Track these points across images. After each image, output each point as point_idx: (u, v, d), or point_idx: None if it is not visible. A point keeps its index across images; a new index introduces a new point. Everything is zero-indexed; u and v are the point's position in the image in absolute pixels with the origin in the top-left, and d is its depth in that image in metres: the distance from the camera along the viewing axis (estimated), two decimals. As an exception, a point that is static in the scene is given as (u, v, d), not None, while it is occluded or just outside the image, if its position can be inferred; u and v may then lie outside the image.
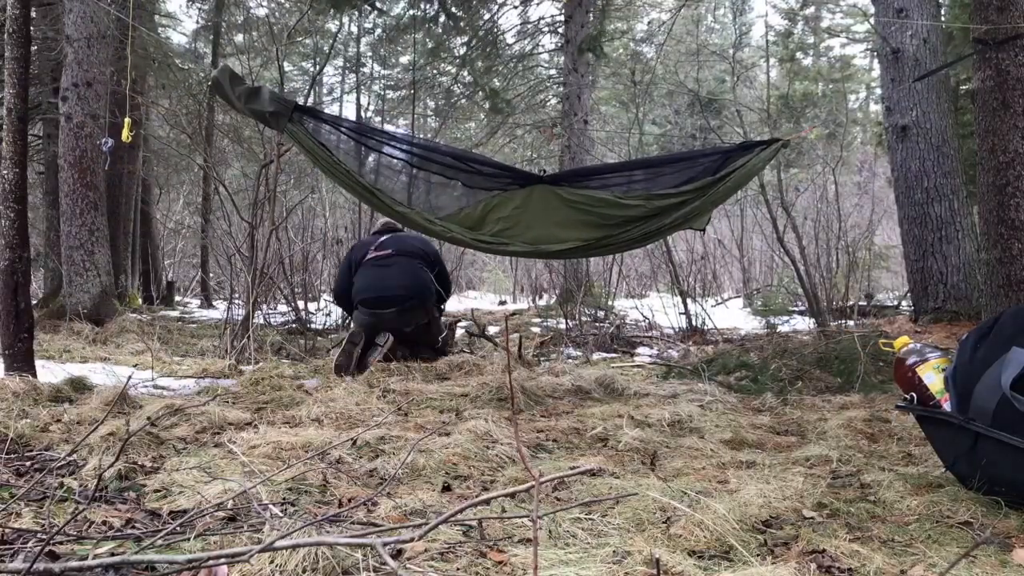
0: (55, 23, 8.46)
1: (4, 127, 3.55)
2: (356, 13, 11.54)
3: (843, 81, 15.26)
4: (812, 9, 19.66)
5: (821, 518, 1.90)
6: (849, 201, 11.57)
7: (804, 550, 1.66)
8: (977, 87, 4.25)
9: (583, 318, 6.81)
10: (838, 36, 18.01)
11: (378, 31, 15.14)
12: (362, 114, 16.18)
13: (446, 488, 2.17)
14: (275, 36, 9.99)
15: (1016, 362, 1.92)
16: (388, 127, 13.30)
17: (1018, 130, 4.03)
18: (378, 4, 10.65)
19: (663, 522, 1.82)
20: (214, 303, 11.95)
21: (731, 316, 8.58)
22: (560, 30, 12.44)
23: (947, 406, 2.13)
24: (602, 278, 9.10)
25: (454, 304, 10.65)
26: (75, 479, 2.16)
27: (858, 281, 7.68)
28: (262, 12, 13.02)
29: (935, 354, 2.29)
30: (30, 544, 1.60)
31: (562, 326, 6.72)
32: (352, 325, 4.89)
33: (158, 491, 2.08)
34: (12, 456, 2.40)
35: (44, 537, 1.61)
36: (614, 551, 1.64)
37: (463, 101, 13.66)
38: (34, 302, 5.93)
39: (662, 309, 7.30)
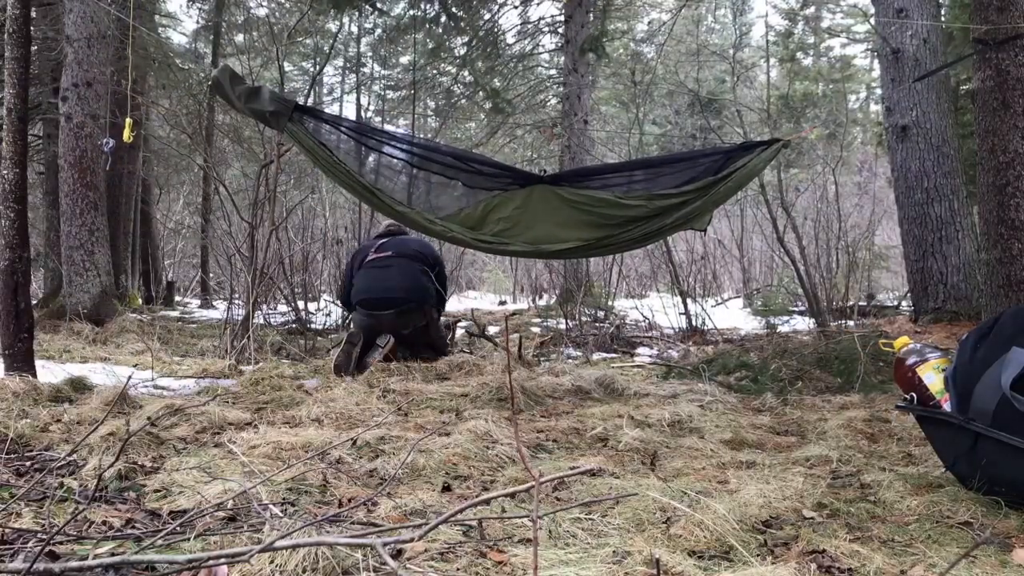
0: (55, 23, 8.46)
1: (4, 127, 3.55)
2: (356, 13, 11.53)
3: (843, 81, 15.25)
4: (812, 9, 19.67)
5: (821, 518, 1.90)
6: (849, 201, 11.57)
7: (804, 550, 1.66)
8: (977, 87, 4.25)
9: (583, 318, 6.81)
10: (838, 36, 18.02)
11: (378, 31, 15.15)
12: (362, 114, 16.18)
13: (446, 488, 2.17)
14: (275, 36, 9.99)
15: (1016, 362, 1.92)
16: (388, 127, 13.29)
17: (1018, 130, 4.03)
18: (378, 4, 10.64)
19: (663, 522, 1.82)
20: (214, 303, 11.95)
21: (731, 316, 8.58)
22: (560, 30, 12.44)
23: (947, 406, 2.13)
24: (602, 278, 9.10)
25: (454, 304, 10.65)
26: (75, 479, 2.16)
27: (858, 281, 7.68)
28: (262, 12, 13.03)
29: (935, 354, 2.29)
30: (30, 544, 1.60)
31: (562, 326, 6.72)
32: (351, 325, 4.90)
33: (158, 491, 2.08)
34: (12, 456, 2.40)
35: (44, 537, 1.61)
36: (614, 551, 1.64)
37: (463, 101, 13.66)
38: (34, 302, 5.93)
39: (662, 309, 7.30)
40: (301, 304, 7.39)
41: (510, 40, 13.20)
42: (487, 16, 12.29)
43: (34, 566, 1.28)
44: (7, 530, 1.66)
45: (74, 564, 1.39)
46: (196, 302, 12.76)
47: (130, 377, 3.90)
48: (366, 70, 18.10)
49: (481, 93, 12.25)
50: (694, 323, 7.13)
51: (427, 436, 2.59)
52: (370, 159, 4.26)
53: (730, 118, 12.84)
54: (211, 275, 12.83)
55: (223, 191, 6.55)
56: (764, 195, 7.38)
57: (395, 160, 4.28)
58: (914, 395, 2.24)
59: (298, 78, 17.91)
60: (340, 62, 18.89)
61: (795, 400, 3.67)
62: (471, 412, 3.18)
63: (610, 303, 7.74)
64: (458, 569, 1.56)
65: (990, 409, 1.92)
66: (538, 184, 4.03)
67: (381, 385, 3.85)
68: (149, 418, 2.78)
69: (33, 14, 7.03)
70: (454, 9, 11.32)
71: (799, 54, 17.00)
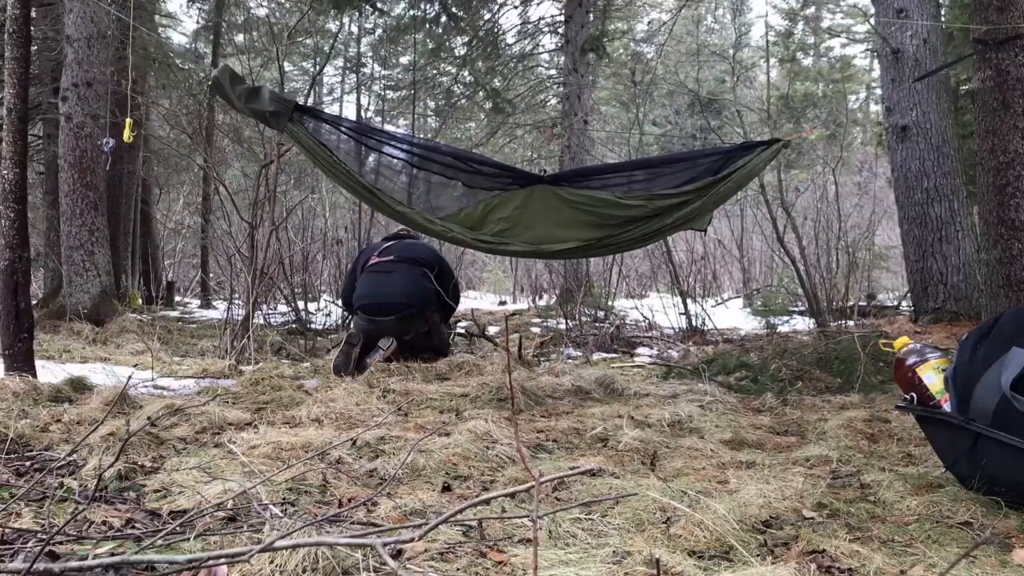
0: (55, 23, 8.46)
1: (4, 127, 3.55)
2: (356, 13, 11.51)
3: (843, 81, 15.25)
4: (812, 9, 19.68)
5: (821, 518, 1.90)
6: (849, 201, 11.57)
7: (804, 550, 1.66)
8: (977, 87, 4.25)
9: (583, 318, 6.80)
10: (838, 36, 18.01)
11: (378, 31, 15.14)
12: (362, 114, 16.18)
13: (446, 488, 2.17)
14: (275, 36, 9.99)
15: (1016, 362, 1.92)
16: (388, 127, 13.29)
17: (1018, 130, 4.03)
18: (378, 4, 10.63)
19: (663, 522, 1.82)
20: (214, 303, 11.95)
21: (731, 316, 8.58)
22: (560, 30, 12.44)
23: (947, 406, 2.13)
24: (602, 278, 9.10)
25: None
26: (75, 479, 2.16)
27: (858, 281, 7.68)
28: (262, 12, 13.02)
29: (935, 354, 2.29)
30: (30, 544, 1.60)
31: (562, 326, 6.71)
32: (352, 326, 4.89)
33: (158, 491, 2.08)
34: (12, 456, 2.40)
35: (44, 537, 1.61)
36: (614, 551, 1.64)
37: (463, 101, 13.66)
38: (34, 302, 5.93)
39: (662, 309, 7.30)
40: (301, 304, 7.39)
41: (510, 40, 13.21)
42: (487, 16, 12.29)
43: (34, 566, 1.28)
44: (7, 530, 1.66)
45: (74, 564, 1.39)
46: (196, 302, 12.75)
47: (130, 377, 3.90)
48: (366, 70, 18.10)
49: (481, 93, 12.25)
50: (694, 323, 7.13)
51: (427, 436, 2.59)
52: (370, 159, 4.26)
53: (730, 118, 12.84)
54: (211, 275, 12.82)
55: (223, 191, 6.55)
56: (764, 195, 7.37)
57: (395, 160, 4.28)
58: (914, 395, 2.24)
59: (298, 78, 17.91)
60: (340, 62, 18.88)
61: (795, 400, 3.67)
62: (471, 412, 3.18)
63: (610, 303, 7.74)
64: (458, 569, 1.56)
65: (990, 409, 1.92)
66: (538, 184, 4.02)
67: (381, 385, 3.85)
68: (149, 418, 2.78)
69: (33, 14, 7.03)
70: (454, 9, 11.32)
71: (799, 54, 17.01)
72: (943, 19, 7.17)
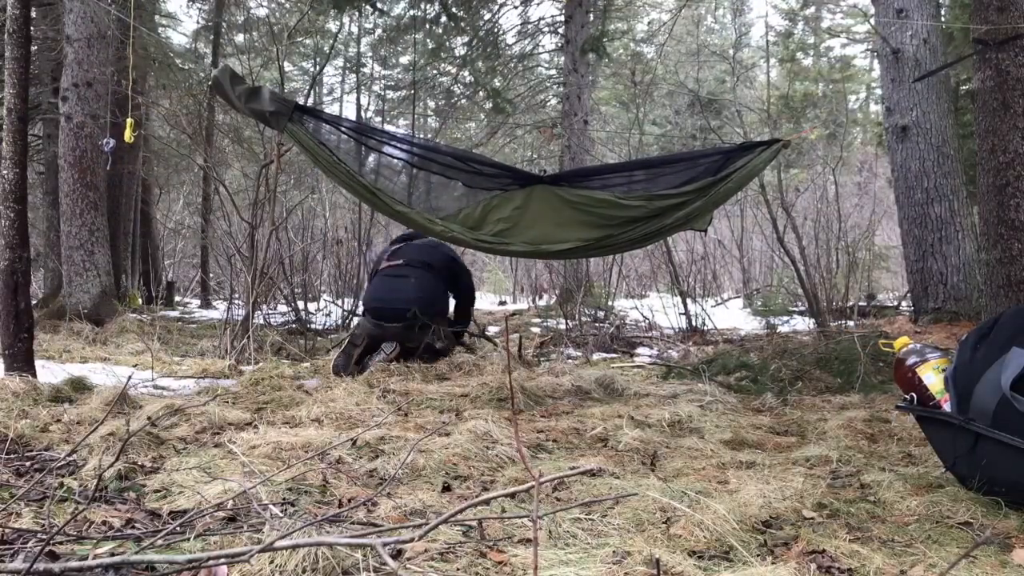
0: (55, 23, 8.46)
1: (4, 127, 3.55)
2: (356, 13, 11.52)
3: (843, 81, 15.26)
4: (812, 9, 19.68)
5: (821, 518, 1.90)
6: (849, 201, 11.57)
7: (804, 550, 1.66)
8: (977, 87, 4.25)
9: (583, 318, 6.80)
10: (838, 36, 18.02)
11: (378, 31, 15.14)
12: (362, 114, 16.18)
13: (446, 488, 2.17)
14: (275, 36, 9.99)
15: (1016, 362, 1.92)
16: (388, 127, 13.29)
17: (1018, 130, 4.03)
18: (378, 4, 10.63)
19: (663, 522, 1.82)
20: (214, 303, 11.95)
21: (731, 316, 8.58)
22: (560, 30, 12.44)
23: (947, 406, 2.13)
24: (602, 278, 9.09)
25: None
26: (75, 479, 2.16)
27: (858, 281, 7.68)
28: (262, 12, 13.03)
29: (935, 354, 2.29)
30: (30, 544, 1.60)
31: (562, 326, 6.71)
32: (355, 327, 4.86)
33: (158, 491, 2.08)
34: (12, 456, 2.40)
35: (44, 537, 1.61)
36: (614, 551, 1.64)
37: (463, 101, 13.66)
38: (34, 302, 5.93)
39: (662, 309, 7.30)
40: (301, 304, 7.39)
41: (510, 40, 13.22)
42: (487, 16, 12.29)
43: (34, 566, 1.28)
44: (7, 530, 1.66)
45: (74, 564, 1.39)
46: (196, 302, 12.76)
47: (130, 377, 3.90)
48: (366, 70, 18.10)
49: (481, 93, 12.25)
50: (694, 323, 7.13)
51: (427, 436, 2.59)
52: (370, 159, 4.26)
53: (730, 118, 12.84)
54: (211, 275, 12.83)
55: (223, 191, 6.55)
56: (764, 195, 7.37)
57: (395, 160, 4.28)
58: (914, 395, 2.24)
59: (298, 78, 17.91)
60: (340, 62, 18.90)
61: (795, 400, 3.67)
62: (471, 412, 3.18)
63: (610, 303, 7.73)
64: (458, 569, 1.56)
65: (990, 409, 1.92)
66: (538, 184, 4.02)
67: (381, 385, 3.85)
68: (149, 418, 2.78)
69: (33, 14, 7.03)
70: (454, 9, 11.32)
71: (799, 54, 17.00)
72: (943, 19, 7.17)
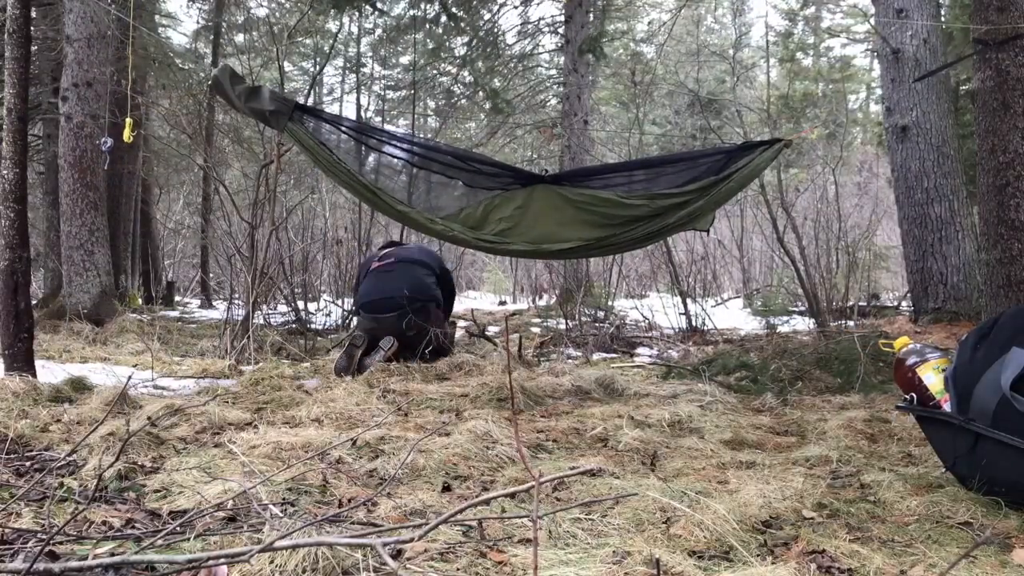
0: (55, 23, 8.46)
1: (4, 127, 3.55)
2: (356, 13, 11.51)
3: (843, 81, 15.25)
4: (812, 9, 19.67)
5: (821, 518, 1.90)
6: (849, 201, 11.57)
7: (804, 550, 1.66)
8: (977, 87, 4.25)
9: (583, 318, 6.80)
10: (838, 36, 18.02)
11: (378, 31, 15.14)
12: (362, 114, 16.17)
13: (446, 488, 2.17)
14: (275, 36, 9.99)
15: (1016, 362, 1.92)
16: (388, 127, 13.29)
17: (1018, 130, 4.03)
18: (378, 4, 10.63)
19: (663, 522, 1.82)
20: (214, 303, 11.95)
21: (731, 316, 8.58)
22: (560, 30, 12.44)
23: (947, 407, 2.13)
24: (602, 278, 9.09)
25: (454, 304, 10.62)
26: (75, 479, 2.16)
27: (858, 281, 7.68)
28: (262, 12, 13.03)
29: (935, 354, 2.29)
30: (30, 544, 1.60)
31: (562, 326, 6.71)
32: (355, 328, 4.93)
33: (158, 491, 2.08)
34: (12, 456, 2.40)
35: (44, 537, 1.61)
36: (614, 551, 1.64)
37: (463, 101, 13.66)
38: (34, 302, 5.93)
39: (662, 309, 7.30)
40: (301, 304, 7.39)
41: (510, 40, 13.21)
42: (487, 16, 12.29)
43: (34, 566, 1.28)
44: (7, 530, 1.66)
45: (74, 564, 1.39)
46: (196, 302, 12.76)
47: (130, 377, 3.90)
48: (366, 70, 18.09)
49: (481, 93, 12.25)
50: (694, 323, 7.13)
51: (427, 436, 2.59)
52: (370, 159, 4.26)
53: (730, 118, 12.84)
54: (211, 275, 12.83)
55: (223, 191, 6.55)
56: (764, 195, 7.37)
57: (395, 160, 4.28)
58: (914, 395, 2.24)
59: (298, 78, 17.90)
60: (340, 62, 18.89)
61: (795, 400, 3.67)
62: (471, 412, 3.18)
63: (610, 303, 7.73)
64: (458, 569, 1.56)
65: (990, 409, 1.92)
66: (539, 184, 4.02)
67: (381, 385, 3.86)
68: (149, 418, 2.78)
69: (33, 14, 7.03)
70: (454, 9, 11.32)
71: (799, 54, 17.00)
72: (943, 19, 7.17)
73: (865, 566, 1.57)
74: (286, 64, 15.11)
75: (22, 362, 3.51)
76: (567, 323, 6.66)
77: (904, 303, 8.17)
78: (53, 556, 1.56)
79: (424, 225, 4.05)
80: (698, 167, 3.97)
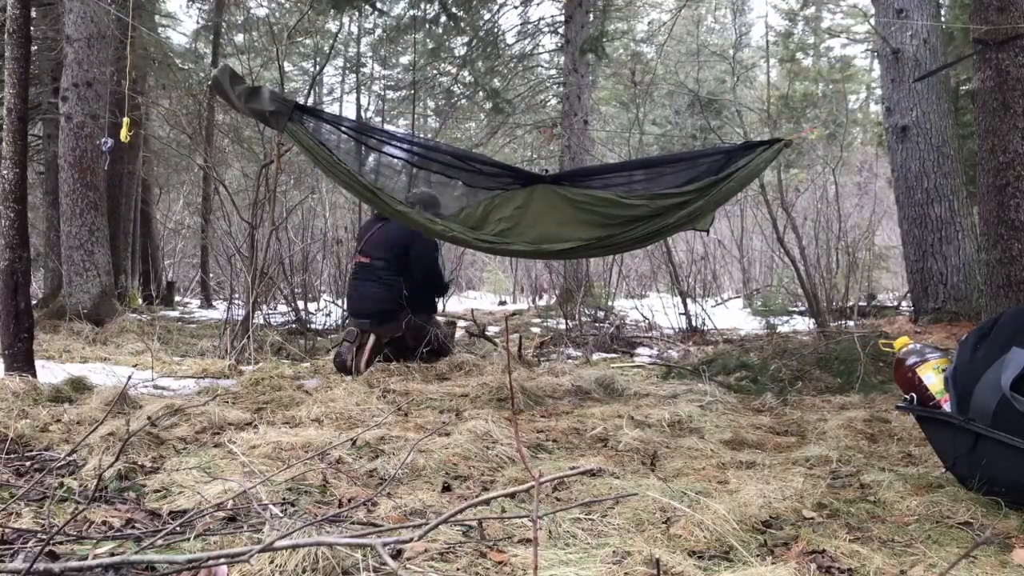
0: (55, 23, 8.46)
1: (4, 127, 3.55)
2: (356, 13, 11.52)
3: (843, 81, 15.25)
4: (812, 9, 19.67)
5: (821, 518, 1.90)
6: (849, 201, 11.56)
7: (804, 550, 1.66)
8: (977, 87, 4.25)
9: (583, 318, 6.80)
10: (838, 36, 18.01)
11: (378, 31, 15.14)
12: (362, 114, 16.18)
13: (446, 488, 2.17)
14: (275, 36, 9.98)
15: (1016, 362, 1.92)
16: (388, 127, 13.29)
17: (1018, 130, 4.03)
18: (378, 4, 10.63)
19: (663, 522, 1.82)
20: (214, 303, 11.95)
21: (731, 316, 8.58)
22: (560, 30, 12.45)
23: (947, 407, 2.13)
24: (602, 278, 9.09)
25: (454, 304, 10.65)
26: (75, 479, 2.16)
27: (858, 281, 7.68)
28: (262, 12, 13.03)
29: (935, 354, 2.29)
30: (30, 544, 1.60)
31: (562, 326, 6.71)
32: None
33: (158, 491, 2.08)
34: (12, 456, 2.40)
35: (44, 537, 1.61)
36: (614, 551, 1.64)
37: (463, 101, 13.66)
38: (34, 302, 5.93)
39: (662, 309, 7.30)
40: (301, 304, 7.39)
41: (510, 40, 13.22)
42: (487, 16, 12.29)
43: (34, 566, 1.28)
44: (7, 530, 1.66)
45: (74, 564, 1.39)
46: (196, 302, 12.76)
47: (130, 377, 3.90)
48: (366, 70, 18.10)
49: (481, 93, 12.25)
50: (694, 323, 7.12)
51: (427, 436, 2.59)
52: (370, 159, 4.26)
53: (730, 118, 12.84)
54: (211, 275, 12.83)
55: (223, 191, 6.55)
56: (764, 195, 7.37)
57: (395, 160, 4.27)
58: (914, 395, 2.24)
59: (298, 78, 17.90)
60: (340, 62, 18.89)
61: (795, 400, 3.67)
62: (471, 412, 3.18)
63: (610, 303, 7.73)
64: (458, 569, 1.56)
65: (990, 409, 1.92)
66: (539, 184, 4.02)
67: (381, 385, 3.86)
68: (149, 418, 2.78)
69: (33, 14, 7.03)
70: (454, 9, 11.32)
71: (799, 54, 16.99)
72: (943, 19, 7.17)
73: (865, 566, 1.57)
74: (286, 64, 15.10)
75: (22, 362, 3.50)
76: (567, 323, 6.66)
77: (904, 303, 8.17)
78: (53, 556, 1.56)
79: (424, 225, 4.05)
80: (698, 167, 3.97)
